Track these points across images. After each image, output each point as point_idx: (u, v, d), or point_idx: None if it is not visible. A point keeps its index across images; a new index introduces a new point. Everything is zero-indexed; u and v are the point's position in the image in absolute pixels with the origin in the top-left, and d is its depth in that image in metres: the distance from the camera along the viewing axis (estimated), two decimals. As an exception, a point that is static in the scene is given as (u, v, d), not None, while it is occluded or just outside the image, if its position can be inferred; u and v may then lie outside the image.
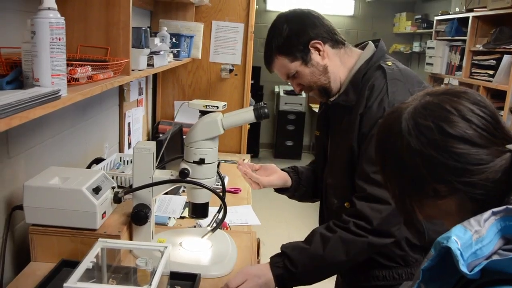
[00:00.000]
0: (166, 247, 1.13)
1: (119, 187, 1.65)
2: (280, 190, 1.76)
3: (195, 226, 1.92)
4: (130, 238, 1.56)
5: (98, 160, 2.07)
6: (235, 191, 2.68)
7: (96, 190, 1.45)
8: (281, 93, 7.21)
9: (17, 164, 1.57)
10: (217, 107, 1.48)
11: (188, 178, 1.46)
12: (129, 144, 2.94)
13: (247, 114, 1.47)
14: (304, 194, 1.76)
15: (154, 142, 1.52)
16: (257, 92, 6.83)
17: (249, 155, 3.74)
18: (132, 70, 1.88)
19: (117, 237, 1.44)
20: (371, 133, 1.41)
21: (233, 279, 1.39)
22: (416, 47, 6.85)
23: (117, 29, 1.65)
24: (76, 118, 2.08)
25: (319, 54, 1.52)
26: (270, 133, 7.79)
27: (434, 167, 0.84)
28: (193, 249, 1.58)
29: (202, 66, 3.55)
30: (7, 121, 0.88)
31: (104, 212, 1.49)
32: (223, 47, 3.54)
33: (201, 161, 1.46)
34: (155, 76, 3.57)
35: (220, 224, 1.56)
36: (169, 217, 1.95)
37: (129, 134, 2.93)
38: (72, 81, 1.35)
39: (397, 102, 1.36)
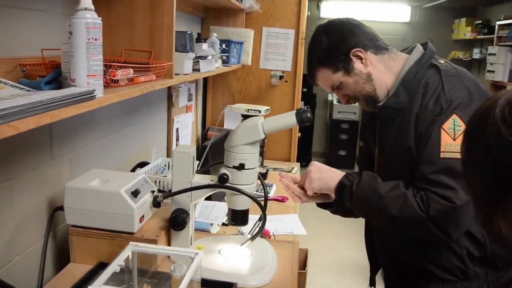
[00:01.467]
0: (197, 253, 1.09)
1: (160, 191, 1.63)
2: (322, 205, 1.68)
3: (237, 234, 1.88)
4: (168, 244, 1.53)
5: (142, 164, 2.07)
6: (282, 200, 2.62)
7: (135, 193, 1.44)
8: (335, 102, 7.09)
9: (61, 166, 1.59)
10: (259, 111, 1.45)
11: (227, 184, 1.42)
12: (177, 150, 2.95)
13: (289, 118, 1.42)
14: (348, 210, 1.69)
15: (195, 146, 1.50)
16: (310, 100, 6.75)
17: (298, 164, 3.67)
18: (177, 74, 1.87)
19: (154, 241, 1.42)
20: (428, 132, 1.34)
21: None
22: (476, 54, 6.57)
23: (161, 32, 1.65)
24: (123, 122, 2.10)
25: (362, 62, 1.49)
26: (323, 142, 7.67)
27: None
28: (231, 257, 1.53)
29: (252, 72, 3.53)
30: (36, 119, 0.87)
31: (143, 216, 1.47)
32: (274, 53, 3.50)
33: (241, 166, 1.42)
34: (205, 82, 3.58)
35: (259, 232, 1.50)
36: (211, 224, 1.92)
37: (177, 139, 2.94)
38: (112, 83, 1.35)
39: (455, 98, 1.33)
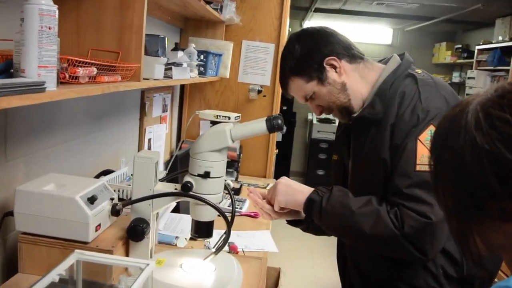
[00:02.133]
0: (148, 264, 0.99)
1: (121, 200, 1.53)
2: (293, 222, 1.61)
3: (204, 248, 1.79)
4: (126, 255, 1.43)
5: (107, 172, 1.97)
6: (255, 216, 2.54)
7: (91, 200, 1.34)
8: (314, 121, 7.07)
9: (15, 168, 1.49)
10: (229, 118, 1.37)
11: (190, 193, 1.33)
12: (149, 161, 2.85)
13: (258, 125, 1.34)
14: (320, 227, 1.62)
15: (158, 152, 1.41)
16: (290, 119, 6.71)
17: (274, 180, 3.59)
18: (146, 78, 1.79)
19: (110, 252, 1.32)
20: (404, 144, 1.28)
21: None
22: (456, 77, 6.64)
23: (130, 33, 1.57)
24: (89, 128, 2.00)
25: (336, 71, 1.44)
26: (301, 161, 7.62)
27: (506, 174, 0.65)
28: (193, 272, 1.44)
29: (230, 86, 3.47)
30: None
31: (99, 225, 1.37)
32: (253, 67, 3.45)
33: (206, 175, 1.34)
34: (182, 94, 3.51)
35: (223, 246, 1.41)
36: (177, 237, 1.82)
37: (149, 150, 2.85)
38: (72, 79, 1.27)
39: (432, 108, 1.28)
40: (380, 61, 1.54)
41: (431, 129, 1.26)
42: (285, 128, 4.90)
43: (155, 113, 2.91)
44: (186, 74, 2.31)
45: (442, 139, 0.76)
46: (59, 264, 0.98)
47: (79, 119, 1.90)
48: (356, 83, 1.44)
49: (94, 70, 1.37)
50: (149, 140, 2.82)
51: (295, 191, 1.42)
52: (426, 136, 1.26)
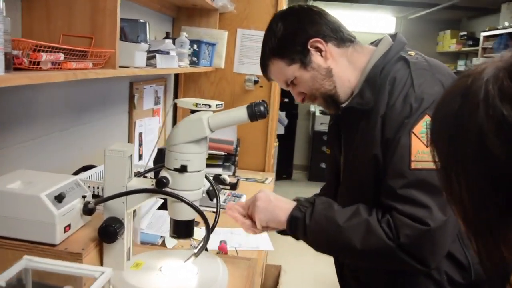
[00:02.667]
0: (103, 272, 0.87)
1: (95, 196, 1.41)
2: (284, 231, 1.49)
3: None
4: (100, 258, 1.31)
5: (88, 168, 1.85)
6: (251, 211, 2.41)
7: (59, 198, 1.22)
8: (317, 113, 6.92)
9: (-20, 166, 1.37)
10: (209, 106, 1.24)
11: (165, 189, 1.21)
12: (140, 156, 2.74)
13: (239, 112, 1.22)
14: None
15: (133, 145, 1.29)
16: (291, 111, 6.58)
17: (273, 174, 3.48)
18: (126, 67, 1.67)
19: (79, 255, 1.20)
20: (397, 138, 1.13)
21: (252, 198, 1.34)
22: (461, 66, 6.48)
23: (103, 16, 1.45)
24: (70, 121, 1.88)
25: (321, 55, 1.31)
26: (305, 155, 7.49)
27: None
28: (172, 276, 1.32)
29: (226, 77, 3.34)
30: None
31: (69, 225, 1.25)
32: (249, 56, 3.32)
33: (183, 169, 1.21)
34: (176, 86, 3.38)
35: (203, 248, 1.29)
36: (161, 236, 1.70)
37: (140, 145, 2.73)
38: (33, 65, 1.15)
39: (426, 95, 1.14)
40: (372, 43, 1.40)
41: (426, 119, 1.11)
42: (286, 121, 4.75)
43: (146, 105, 2.79)
44: (173, 63, 2.18)
45: (451, 120, 0.61)
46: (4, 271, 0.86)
47: (58, 111, 1.78)
48: (343, 69, 1.31)
49: (61, 56, 1.25)
50: (140, 134, 2.71)
51: (275, 208, 1.30)
52: (421, 128, 1.11)
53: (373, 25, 7.02)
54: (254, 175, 3.28)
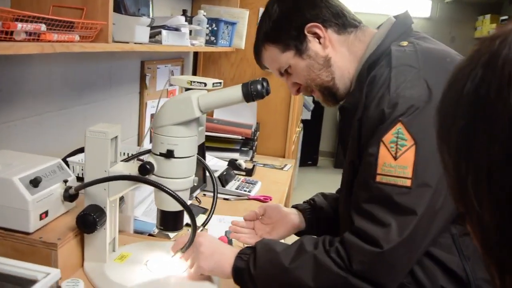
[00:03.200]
0: (47, 274, 0.75)
1: (80, 179, 1.30)
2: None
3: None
4: (81, 248, 1.21)
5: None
6: (265, 200, 2.28)
7: (35, 182, 1.11)
8: (346, 99, 6.71)
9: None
10: (205, 84, 1.11)
11: (145, 178, 1.08)
12: (151, 138, 2.63)
13: (232, 91, 1.08)
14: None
15: (119, 125, 1.16)
16: (319, 97, 6.38)
17: (293, 161, 3.33)
18: (124, 42, 1.54)
19: (54, 245, 1.10)
20: (367, 145, 1.01)
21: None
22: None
23: (95, -15, 1.32)
24: (69, 100, 1.77)
25: (319, 42, 1.18)
26: (331, 141, 7.28)
27: None
28: (159, 271, 1.20)
29: (247, 58, 3.19)
30: None
31: (45, 212, 1.15)
32: (271, 38, 3.16)
33: (169, 154, 1.08)
34: (195, 67, 3.26)
35: (190, 243, 1.16)
36: (158, 225, 1.58)
37: (152, 126, 2.62)
38: (5, 35, 1.03)
39: (402, 99, 0.97)
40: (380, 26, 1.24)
41: (398, 128, 0.96)
42: (312, 106, 4.53)
43: (160, 86, 2.68)
44: (184, 41, 2.05)
45: (466, 103, 0.45)
46: None
47: (55, 89, 1.68)
48: (343, 59, 1.18)
49: (41, 27, 1.13)
50: (152, 115, 2.60)
51: (221, 258, 1.15)
52: (391, 137, 0.97)
53: (405, 9, 6.70)
54: (273, 161, 3.13)
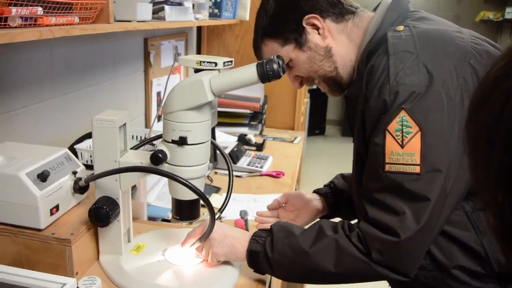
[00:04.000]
0: (63, 284, 0.70)
1: (88, 166, 1.24)
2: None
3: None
4: (96, 242, 1.16)
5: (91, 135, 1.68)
6: (277, 175, 2.23)
7: (42, 177, 1.06)
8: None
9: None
10: (215, 64, 1.04)
11: (158, 168, 1.02)
12: (159, 117, 2.57)
13: (247, 72, 1.01)
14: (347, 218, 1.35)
15: (126, 112, 1.10)
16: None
17: (303, 133, 3.26)
18: (126, 20, 1.47)
19: (67, 241, 1.05)
20: (373, 135, 1.00)
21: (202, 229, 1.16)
22: (509, 13, 5.95)
23: (92, -39, 1.23)
24: (73, 84, 1.71)
25: (318, 33, 1.15)
26: (339, 109, 7.19)
27: None
28: (177, 261, 1.15)
29: (252, 30, 3.05)
30: None
31: (56, 206, 1.10)
32: (276, 7, 3.05)
33: (182, 141, 1.02)
34: (198, 41, 3.17)
35: (209, 232, 1.11)
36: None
37: (158, 105, 2.56)
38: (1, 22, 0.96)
39: (403, 87, 0.95)
40: (375, 9, 1.19)
41: (402, 115, 0.95)
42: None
43: (165, 63, 2.60)
44: (188, 15, 1.96)
45: (509, 129, 0.40)
46: None
47: (57, 74, 1.61)
48: (344, 47, 1.16)
49: (38, 10, 1.06)
50: (158, 93, 2.53)
51: (233, 240, 1.13)
52: (396, 125, 0.95)
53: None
54: (282, 134, 3.07)
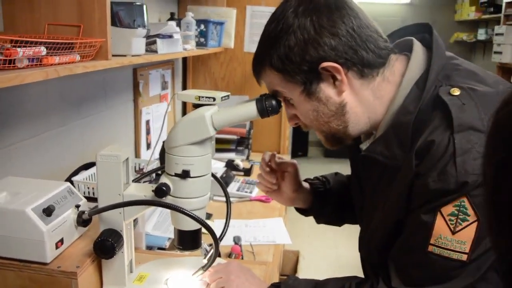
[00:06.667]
0: None
1: (94, 200, 1.27)
2: (301, 210, 1.40)
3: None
4: (100, 273, 1.18)
5: (89, 165, 1.72)
6: (266, 200, 2.28)
7: (48, 212, 1.08)
8: (333, 88, 6.69)
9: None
10: (214, 99, 1.08)
11: (161, 201, 1.06)
12: (148, 145, 2.60)
13: (247, 108, 1.06)
14: (331, 218, 1.38)
15: (128, 148, 1.14)
16: (306, 87, 6.36)
17: (289, 156, 3.32)
18: (121, 55, 1.51)
19: (73, 274, 1.07)
20: (421, 212, 0.91)
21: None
22: (481, 35, 6.16)
23: (91, 1, 1.29)
24: (68, 116, 1.74)
25: (335, 85, 0.96)
26: (321, 131, 7.28)
27: None
28: (180, 290, 1.19)
29: (236, 57, 3.17)
30: None
31: (61, 240, 1.12)
32: (260, 35, 3.11)
33: (185, 174, 1.06)
34: (184, 69, 3.23)
35: (212, 261, 1.15)
36: (169, 238, 1.57)
37: (148, 133, 2.59)
38: (8, 64, 1.00)
39: (471, 177, 0.84)
40: (399, 44, 1.05)
41: (462, 201, 0.86)
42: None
43: (153, 91, 2.64)
44: (178, 47, 2.02)
45: None
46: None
47: (53, 107, 1.64)
48: (364, 105, 0.98)
49: (42, 51, 1.10)
50: (147, 121, 2.56)
51: (251, 284, 1.13)
52: (452, 210, 0.87)
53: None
54: (270, 158, 3.12)
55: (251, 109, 1.04)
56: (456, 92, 0.90)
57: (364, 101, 0.98)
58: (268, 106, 1.03)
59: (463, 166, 0.84)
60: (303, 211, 1.40)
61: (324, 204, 1.34)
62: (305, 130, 1.09)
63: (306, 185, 1.36)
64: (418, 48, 1.00)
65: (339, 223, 1.44)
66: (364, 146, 1.08)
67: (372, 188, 1.08)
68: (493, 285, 0.95)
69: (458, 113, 0.87)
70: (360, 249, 1.20)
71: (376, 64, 0.96)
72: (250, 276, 1.16)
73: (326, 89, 0.97)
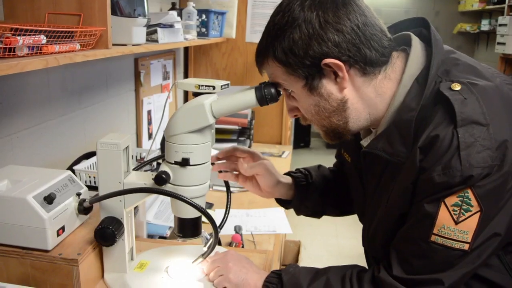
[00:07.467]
0: None
1: (95, 188, 1.28)
2: (281, 201, 1.39)
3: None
4: (101, 260, 1.20)
5: (89, 155, 1.73)
6: (268, 190, 2.28)
7: (49, 199, 1.09)
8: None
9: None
10: (213, 88, 1.08)
11: (162, 188, 1.06)
12: (150, 135, 2.61)
13: (246, 96, 1.06)
14: (313, 210, 1.38)
15: (128, 136, 1.14)
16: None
17: (290, 147, 3.32)
18: (122, 44, 1.51)
19: (74, 261, 1.08)
20: (425, 202, 0.92)
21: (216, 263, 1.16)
22: (485, 25, 6.11)
23: (91, -10, 1.29)
24: (69, 106, 1.75)
25: (336, 81, 0.97)
26: (323, 122, 7.27)
27: None
28: (181, 278, 1.19)
29: (238, 47, 3.16)
30: None
31: (62, 228, 1.13)
32: (261, 25, 3.11)
33: (185, 162, 1.07)
34: (186, 59, 3.22)
35: (212, 249, 1.16)
36: (170, 227, 1.58)
37: (149, 123, 2.60)
38: (8, 52, 1.00)
39: (476, 170, 0.85)
40: (396, 39, 1.05)
41: (465, 192, 0.87)
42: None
43: (154, 81, 2.64)
44: (178, 36, 2.02)
45: None
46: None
47: (54, 97, 1.65)
48: (365, 101, 1.00)
49: (42, 39, 1.11)
50: (149, 111, 2.57)
51: (247, 275, 1.13)
52: (455, 200, 0.88)
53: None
54: (271, 148, 3.13)
55: (250, 97, 1.05)
56: (457, 87, 0.91)
57: (366, 98, 1.00)
58: (267, 94, 1.04)
59: (468, 160, 0.85)
60: (284, 203, 1.40)
61: (305, 197, 1.35)
62: (304, 123, 1.09)
63: (287, 178, 1.37)
64: (416, 44, 1.01)
65: (318, 216, 1.43)
66: (365, 142, 1.09)
67: (374, 184, 1.08)
68: (495, 270, 0.97)
69: (460, 108, 0.88)
70: (363, 244, 1.20)
71: (379, 63, 0.97)
72: (247, 263, 1.17)
73: (328, 85, 0.98)
